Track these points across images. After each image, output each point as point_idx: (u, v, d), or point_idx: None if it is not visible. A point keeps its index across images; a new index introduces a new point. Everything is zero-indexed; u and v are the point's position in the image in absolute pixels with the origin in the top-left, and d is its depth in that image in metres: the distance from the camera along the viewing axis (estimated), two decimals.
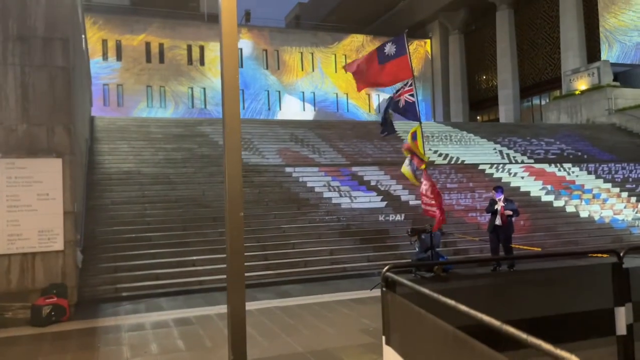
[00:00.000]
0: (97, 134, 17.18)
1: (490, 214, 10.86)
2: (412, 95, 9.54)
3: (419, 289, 2.25)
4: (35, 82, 7.98)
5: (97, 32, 33.07)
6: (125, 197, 12.76)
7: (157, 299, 8.86)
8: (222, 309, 7.12)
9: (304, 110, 38.57)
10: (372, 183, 15.22)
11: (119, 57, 34.09)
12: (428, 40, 44.20)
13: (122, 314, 7.93)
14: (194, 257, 10.40)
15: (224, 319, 5.30)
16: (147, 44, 34.77)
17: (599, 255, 7.96)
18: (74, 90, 8.73)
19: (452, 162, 18.00)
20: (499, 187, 11.18)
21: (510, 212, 10.57)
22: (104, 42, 33.67)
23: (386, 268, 2.84)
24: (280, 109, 37.96)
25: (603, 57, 30.27)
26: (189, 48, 35.76)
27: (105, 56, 33.73)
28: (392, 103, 9.85)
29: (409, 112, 9.60)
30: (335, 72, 39.34)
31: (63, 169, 7.96)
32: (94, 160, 14.78)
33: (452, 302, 1.89)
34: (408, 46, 9.59)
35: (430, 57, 44.08)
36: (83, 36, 15.41)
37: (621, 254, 3.59)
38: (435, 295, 2.03)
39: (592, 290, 3.68)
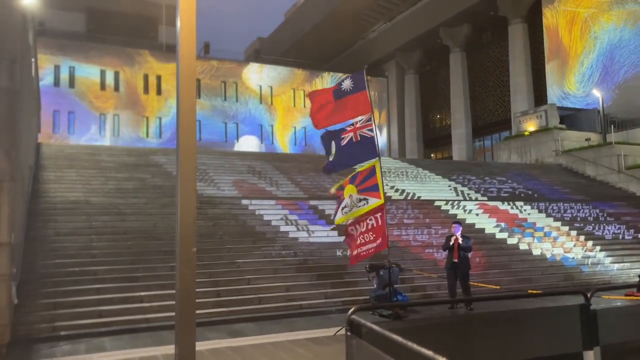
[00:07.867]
0: (43, 161, 16.39)
1: (447, 251, 10.84)
2: (371, 130, 9.47)
3: (389, 336, 2.05)
4: None
5: (50, 57, 32.12)
6: (71, 228, 12.08)
7: (100, 339, 8.25)
8: (170, 349, 6.67)
9: (262, 142, 38.38)
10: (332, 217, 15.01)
11: (71, 84, 33.15)
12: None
13: (58, 355, 7.31)
14: (142, 293, 9.83)
15: None
16: (102, 72, 34.05)
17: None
18: (19, 113, 8.25)
19: (409, 198, 18.10)
20: (458, 222, 11.23)
21: (460, 240, 10.50)
22: (57, 68, 32.72)
23: (351, 310, 2.63)
24: (237, 142, 37.66)
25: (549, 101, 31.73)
26: (146, 77, 35.22)
27: (57, 82, 32.73)
28: (335, 137, 9.58)
29: (367, 147, 9.47)
30: (294, 105, 39.52)
31: (1, 197, 7.41)
32: (39, 188, 14.01)
33: (429, 353, 1.71)
34: (367, 82, 9.59)
35: (387, 95, 45.06)
36: (33, 60, 14.83)
37: (588, 295, 3.50)
38: (410, 344, 1.84)
39: (558, 333, 3.56)
